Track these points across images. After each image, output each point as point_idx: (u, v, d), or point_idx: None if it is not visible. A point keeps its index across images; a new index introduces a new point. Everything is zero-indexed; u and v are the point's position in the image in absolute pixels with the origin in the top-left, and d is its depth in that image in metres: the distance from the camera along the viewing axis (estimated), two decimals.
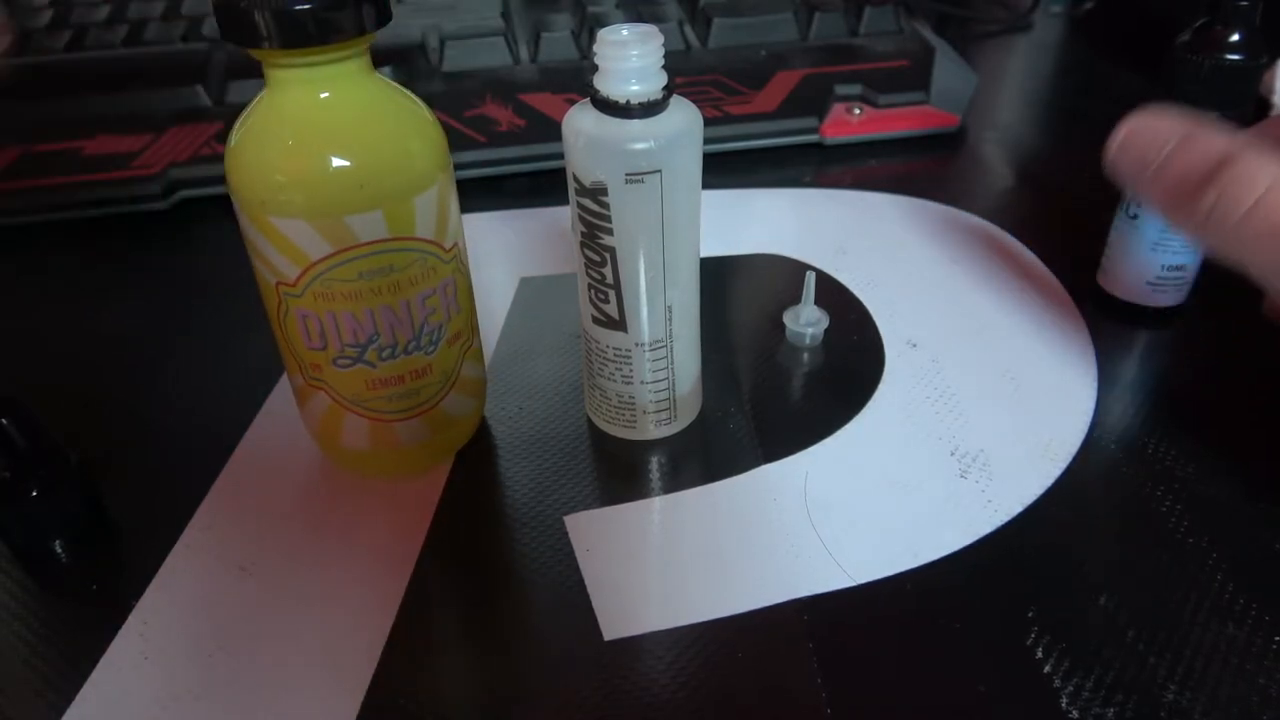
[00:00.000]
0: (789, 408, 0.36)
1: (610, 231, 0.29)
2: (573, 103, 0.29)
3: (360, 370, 0.29)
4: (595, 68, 0.28)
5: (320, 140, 0.26)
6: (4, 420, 0.29)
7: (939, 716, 0.26)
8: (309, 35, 0.24)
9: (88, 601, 0.29)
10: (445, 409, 0.32)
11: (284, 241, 0.27)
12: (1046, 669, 0.26)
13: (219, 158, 0.49)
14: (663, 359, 0.32)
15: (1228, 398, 0.36)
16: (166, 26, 0.53)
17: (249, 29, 0.24)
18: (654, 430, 0.34)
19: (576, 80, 0.51)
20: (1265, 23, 0.34)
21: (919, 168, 0.52)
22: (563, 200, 0.30)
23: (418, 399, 0.31)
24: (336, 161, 0.26)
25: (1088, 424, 0.35)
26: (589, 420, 0.35)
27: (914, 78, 0.54)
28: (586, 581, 0.29)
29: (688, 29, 0.54)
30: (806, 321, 0.38)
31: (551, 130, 0.50)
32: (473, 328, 0.32)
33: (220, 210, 0.49)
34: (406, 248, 0.28)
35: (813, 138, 0.53)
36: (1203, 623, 0.28)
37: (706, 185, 0.30)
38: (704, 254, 0.32)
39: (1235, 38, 0.34)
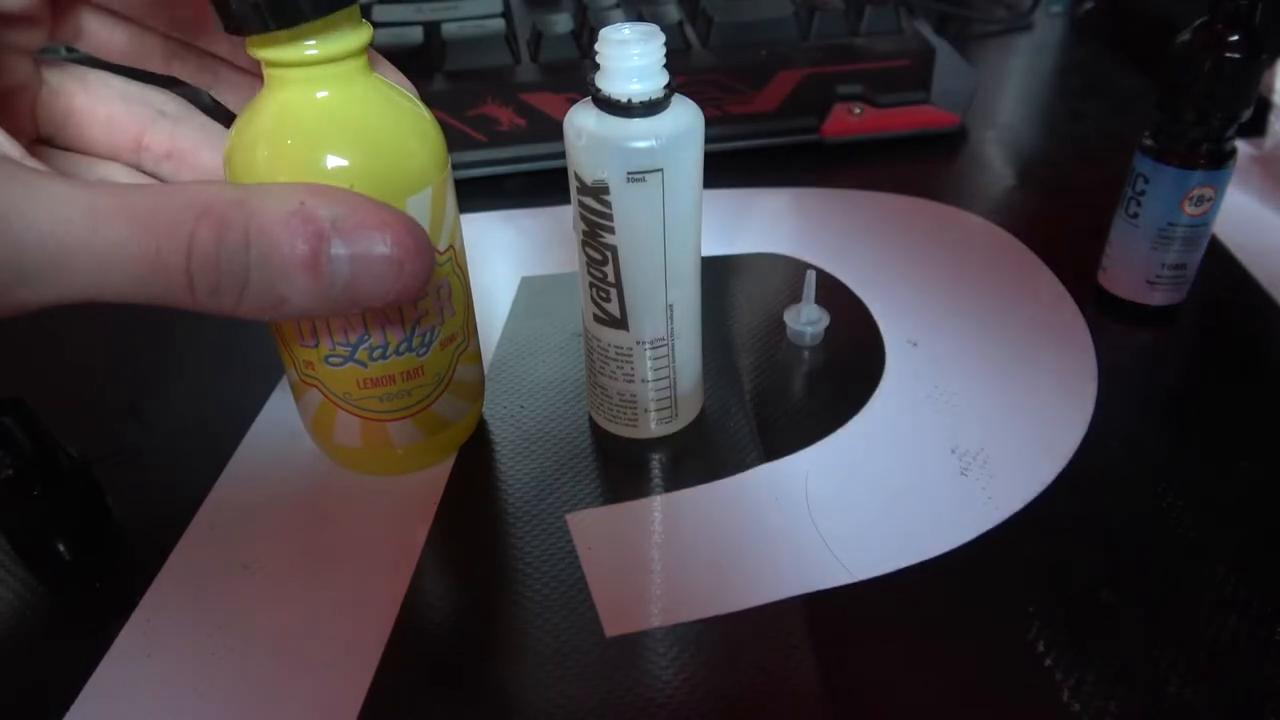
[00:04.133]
0: (790, 406, 0.36)
1: (612, 230, 0.29)
2: (573, 102, 0.29)
3: (351, 369, 0.29)
4: (597, 67, 0.28)
5: (314, 140, 0.26)
6: (7, 419, 0.29)
7: (941, 711, 0.26)
8: (301, 13, 0.24)
9: (91, 600, 0.29)
10: (438, 411, 0.32)
11: None
12: (1048, 662, 0.27)
13: None
14: (664, 357, 0.32)
15: (1227, 394, 0.36)
16: None
17: (248, 17, 0.24)
18: (655, 429, 0.34)
19: (577, 79, 0.51)
20: (1265, 22, 0.34)
21: (919, 167, 0.52)
22: (564, 199, 0.30)
23: (409, 400, 0.31)
24: (330, 161, 0.26)
25: (1088, 421, 0.35)
26: (590, 419, 0.35)
27: (914, 77, 0.54)
28: (588, 579, 0.29)
29: (688, 29, 0.54)
30: (807, 320, 0.38)
31: (552, 129, 0.50)
32: (469, 331, 0.32)
33: None
34: None
35: (813, 137, 0.54)
36: (1204, 615, 0.28)
37: (707, 185, 0.30)
38: (705, 253, 0.32)
39: (1235, 37, 0.34)
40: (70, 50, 0.29)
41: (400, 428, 0.31)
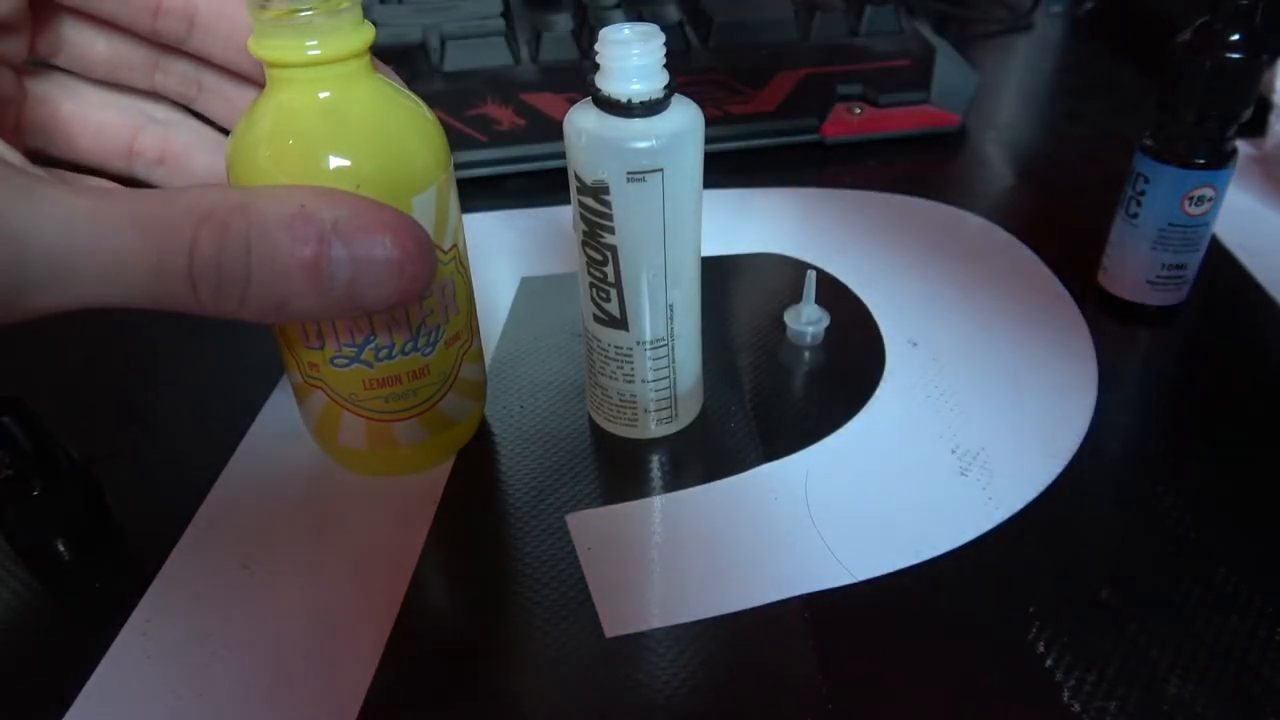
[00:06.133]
0: (790, 406, 0.36)
1: (612, 230, 0.29)
2: (573, 102, 0.29)
3: (357, 370, 0.29)
4: (597, 67, 0.28)
5: (318, 140, 0.26)
6: (7, 419, 0.29)
7: (941, 712, 0.26)
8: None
9: (90, 600, 0.29)
10: (443, 410, 0.32)
11: None
12: (1048, 663, 0.27)
13: None
14: (664, 357, 0.32)
15: (1227, 394, 0.36)
16: None
17: None
18: (655, 429, 0.34)
19: (577, 79, 0.51)
20: (1265, 22, 0.34)
21: (919, 167, 0.52)
22: (563, 200, 0.30)
23: (415, 399, 0.31)
24: (334, 162, 0.26)
25: (1088, 421, 0.35)
26: (590, 419, 0.35)
27: (915, 77, 0.54)
28: (588, 579, 0.29)
29: (688, 29, 0.54)
30: (807, 320, 0.38)
31: (552, 129, 0.50)
32: (472, 330, 0.32)
33: None
34: None
35: (813, 137, 0.54)
36: (1204, 615, 0.28)
37: (707, 185, 0.30)
38: (705, 253, 0.32)
39: (1235, 37, 0.34)
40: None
41: (406, 428, 0.31)
